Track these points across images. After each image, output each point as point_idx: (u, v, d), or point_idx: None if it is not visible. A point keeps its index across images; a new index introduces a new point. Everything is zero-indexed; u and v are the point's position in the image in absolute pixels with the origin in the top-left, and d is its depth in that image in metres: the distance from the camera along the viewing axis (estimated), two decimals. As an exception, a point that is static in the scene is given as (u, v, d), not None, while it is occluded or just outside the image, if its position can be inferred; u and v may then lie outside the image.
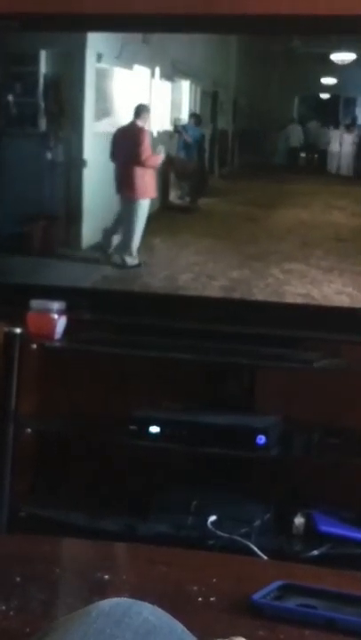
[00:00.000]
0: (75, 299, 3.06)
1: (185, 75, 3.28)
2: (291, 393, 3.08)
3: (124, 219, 3.27)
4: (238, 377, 3.10)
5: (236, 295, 3.07)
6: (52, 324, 2.99)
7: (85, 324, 3.08)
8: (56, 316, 3.00)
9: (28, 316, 2.99)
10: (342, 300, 3.01)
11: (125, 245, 3.23)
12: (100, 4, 3.16)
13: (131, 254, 3.22)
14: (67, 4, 3.15)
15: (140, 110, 3.21)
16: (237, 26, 3.13)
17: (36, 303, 3.01)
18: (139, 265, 3.21)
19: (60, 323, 3.01)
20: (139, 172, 3.25)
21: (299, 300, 3.04)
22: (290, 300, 3.03)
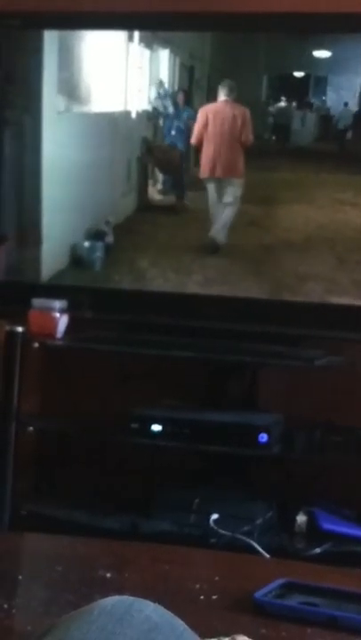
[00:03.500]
0: (76, 297, 3.06)
1: (164, 42, 2.85)
2: (292, 391, 3.08)
3: (225, 201, 2.95)
4: (240, 375, 3.10)
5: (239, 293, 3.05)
6: (54, 322, 2.99)
7: (87, 323, 3.08)
8: (58, 315, 3.00)
9: (29, 314, 2.99)
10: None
11: (224, 227, 2.96)
12: (101, 3, 3.12)
13: (225, 234, 2.96)
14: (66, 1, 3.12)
15: (233, 87, 2.96)
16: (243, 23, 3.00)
17: (37, 302, 3.00)
18: (218, 248, 2.91)
19: (62, 321, 3.01)
20: (240, 151, 2.98)
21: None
22: (294, 298, 3.01)
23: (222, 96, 2.98)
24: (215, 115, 2.99)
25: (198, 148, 3.00)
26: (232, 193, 3.00)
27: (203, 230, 2.93)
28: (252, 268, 2.91)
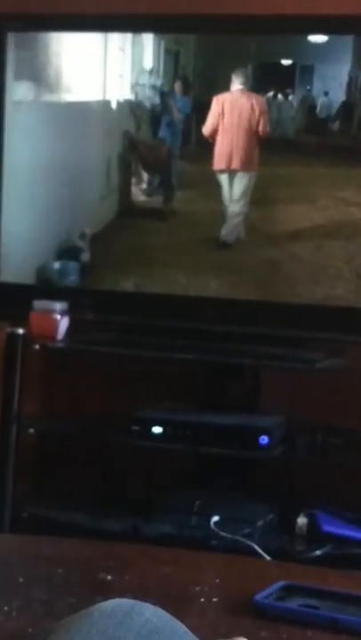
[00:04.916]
0: (77, 299, 3.06)
1: None
2: (294, 393, 3.08)
3: (236, 196, 2.80)
4: (241, 377, 3.10)
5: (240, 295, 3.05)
6: (55, 324, 2.99)
7: (88, 325, 3.08)
8: (59, 317, 3.00)
9: (30, 316, 2.99)
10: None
11: (237, 224, 2.80)
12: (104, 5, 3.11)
13: (236, 231, 2.81)
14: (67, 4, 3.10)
15: (248, 76, 2.82)
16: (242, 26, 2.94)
17: (38, 303, 3.00)
18: (227, 245, 2.73)
19: (63, 323, 3.01)
20: (255, 143, 2.85)
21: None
22: (294, 300, 3.00)
23: (237, 85, 2.85)
24: (232, 105, 2.86)
25: (212, 140, 2.87)
26: (244, 187, 2.92)
27: (197, 238, 2.73)
28: (256, 280, 2.86)
